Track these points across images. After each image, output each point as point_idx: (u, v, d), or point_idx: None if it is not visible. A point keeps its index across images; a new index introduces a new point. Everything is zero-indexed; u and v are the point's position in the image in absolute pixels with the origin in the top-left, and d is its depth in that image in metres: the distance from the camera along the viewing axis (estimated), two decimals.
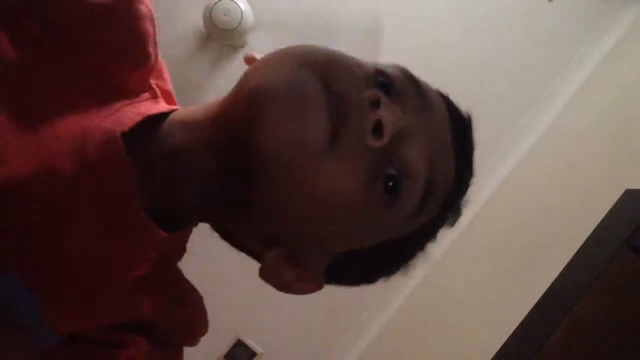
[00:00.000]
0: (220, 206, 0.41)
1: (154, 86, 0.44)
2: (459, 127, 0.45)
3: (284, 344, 1.63)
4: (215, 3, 1.48)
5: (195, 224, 0.44)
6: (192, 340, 0.45)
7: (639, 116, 1.30)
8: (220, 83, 1.63)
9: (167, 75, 0.47)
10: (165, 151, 0.40)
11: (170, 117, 0.42)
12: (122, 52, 0.42)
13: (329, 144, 0.37)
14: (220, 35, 1.53)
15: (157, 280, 0.41)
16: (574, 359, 0.91)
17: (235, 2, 1.48)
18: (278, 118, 0.36)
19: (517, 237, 1.32)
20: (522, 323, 1.06)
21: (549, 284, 1.04)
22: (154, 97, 0.44)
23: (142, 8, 0.42)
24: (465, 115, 0.47)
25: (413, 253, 0.47)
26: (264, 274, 0.42)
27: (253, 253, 0.45)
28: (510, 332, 1.07)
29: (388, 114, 0.39)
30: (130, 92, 0.42)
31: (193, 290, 0.45)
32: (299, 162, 0.37)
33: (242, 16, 1.50)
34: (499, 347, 1.08)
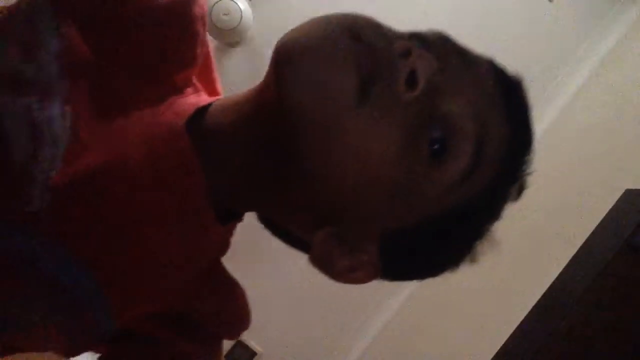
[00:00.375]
0: (264, 186, 0.40)
1: (195, 82, 0.45)
2: (508, 86, 0.41)
3: (284, 344, 1.63)
4: (215, 3, 1.48)
5: (242, 217, 0.44)
6: (234, 334, 0.45)
7: (639, 116, 1.30)
8: (221, 82, 1.63)
9: (214, 63, 0.48)
10: (212, 137, 0.40)
11: (214, 104, 0.42)
12: (175, 52, 0.42)
13: (359, 97, 0.35)
14: (220, 35, 1.53)
15: (207, 274, 0.42)
16: (574, 359, 0.91)
17: (235, 2, 1.48)
18: (301, 71, 0.35)
19: (518, 237, 1.32)
20: (522, 323, 1.06)
21: (549, 284, 1.04)
22: (197, 91, 0.45)
23: (197, 10, 0.43)
24: (515, 75, 0.43)
25: (475, 233, 0.41)
26: (314, 259, 0.39)
27: (300, 242, 0.43)
28: (510, 332, 1.07)
29: (420, 62, 0.36)
30: (177, 88, 0.43)
31: (237, 285, 0.44)
32: (327, 118, 0.35)
33: (242, 16, 1.50)
34: (499, 347, 1.08)
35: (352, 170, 0.36)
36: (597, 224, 1.07)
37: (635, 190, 0.98)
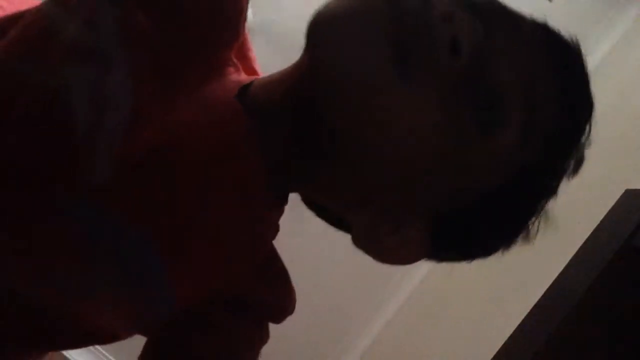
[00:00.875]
0: (306, 165, 0.40)
1: (235, 60, 0.45)
2: (564, 52, 0.39)
3: (284, 344, 1.63)
4: None
5: (286, 200, 0.43)
6: (280, 318, 0.44)
7: (639, 116, 1.30)
8: None
9: (250, 43, 0.48)
10: (257, 115, 0.39)
11: (255, 83, 0.42)
12: (220, 27, 0.42)
13: (396, 67, 0.33)
14: None
15: (266, 257, 0.42)
16: (574, 359, 0.91)
17: None
18: (331, 41, 0.34)
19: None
20: (522, 323, 1.06)
21: (549, 284, 1.04)
22: (237, 69, 0.45)
23: None
24: (572, 41, 0.40)
25: (529, 210, 0.39)
26: (359, 241, 0.38)
27: (344, 223, 0.42)
28: (510, 332, 1.07)
29: (463, 27, 0.34)
30: (221, 65, 0.43)
31: (284, 269, 0.44)
32: (361, 91, 0.34)
33: None
34: (499, 347, 1.08)
35: (392, 145, 0.35)
36: (597, 224, 1.07)
37: (635, 190, 0.98)
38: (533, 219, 0.40)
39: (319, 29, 0.35)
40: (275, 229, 0.42)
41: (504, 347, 1.08)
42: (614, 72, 1.58)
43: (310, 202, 0.44)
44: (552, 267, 1.08)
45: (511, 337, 1.08)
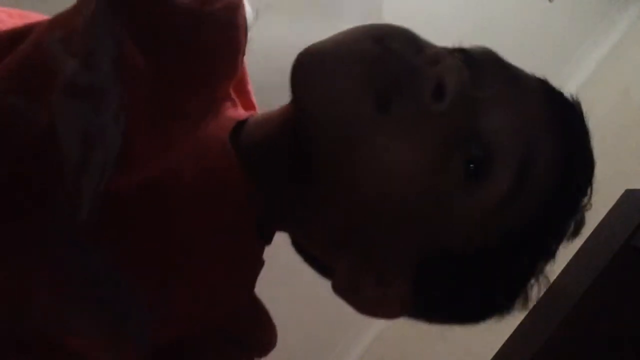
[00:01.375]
0: (290, 206, 0.39)
1: (233, 95, 0.45)
2: (562, 107, 0.37)
3: (284, 344, 1.63)
4: None
5: (271, 239, 0.42)
6: (267, 352, 0.44)
7: (639, 116, 1.30)
8: None
9: (248, 76, 0.48)
10: (248, 153, 0.39)
11: (250, 119, 0.42)
12: (220, 61, 0.42)
13: (378, 108, 0.33)
14: None
15: (249, 295, 0.41)
16: (574, 359, 0.91)
17: None
18: (313, 77, 0.33)
19: None
20: (522, 323, 1.06)
21: (549, 284, 1.04)
22: (234, 105, 0.44)
23: (241, 20, 0.43)
24: (570, 97, 0.39)
25: (523, 271, 0.36)
26: (338, 287, 0.37)
27: (326, 268, 0.41)
28: (510, 332, 1.07)
29: (448, 70, 0.33)
30: (218, 101, 0.43)
31: (263, 304, 0.43)
32: (341, 130, 0.33)
33: None
34: (499, 347, 1.08)
35: (372, 189, 0.34)
36: (597, 224, 1.07)
37: (635, 190, 0.98)
38: (528, 282, 0.38)
39: (303, 69, 0.34)
40: (260, 265, 0.41)
41: (503, 347, 1.07)
42: (614, 72, 1.58)
43: (299, 247, 0.44)
44: (553, 267, 1.08)
45: (511, 338, 1.07)
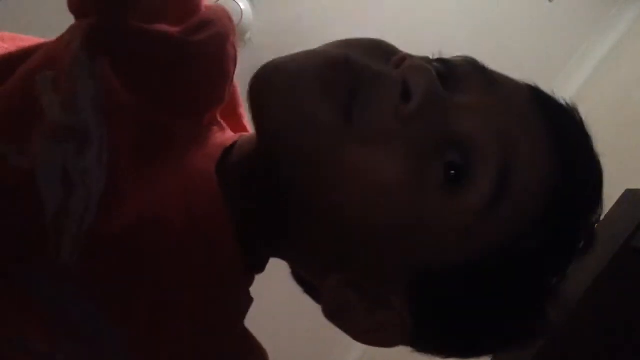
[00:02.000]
0: (273, 232, 0.38)
1: (219, 119, 0.44)
2: (552, 111, 0.34)
3: (284, 344, 1.63)
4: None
5: (263, 268, 0.41)
6: None
7: (639, 116, 1.30)
8: None
9: (240, 99, 0.47)
10: (231, 179, 0.38)
11: (238, 143, 0.41)
12: (206, 90, 0.41)
13: (342, 120, 0.31)
14: None
15: (237, 332, 0.40)
16: (574, 359, 0.91)
17: (235, 2, 1.48)
18: (269, 95, 0.32)
19: None
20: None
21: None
22: (222, 129, 0.44)
23: (231, 49, 0.42)
24: (564, 102, 0.36)
25: (524, 290, 0.33)
26: (327, 310, 0.35)
27: (316, 291, 0.40)
28: None
29: (412, 70, 0.31)
30: (205, 129, 0.42)
31: (251, 337, 0.41)
32: (304, 148, 0.32)
33: (242, 16, 1.50)
34: None
35: (345, 208, 0.32)
36: (597, 224, 1.06)
37: (635, 190, 0.98)
38: (537, 303, 0.34)
39: (257, 78, 0.33)
40: (249, 302, 0.39)
41: None
42: (614, 72, 1.58)
43: (297, 277, 0.43)
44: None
45: None
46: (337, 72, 0.32)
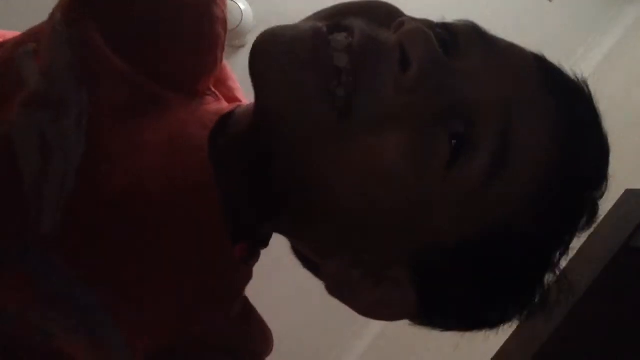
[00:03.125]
0: (268, 209, 0.37)
1: (213, 89, 0.43)
2: (557, 80, 0.34)
3: (284, 344, 1.63)
4: None
5: (267, 242, 0.40)
6: None
7: (639, 116, 1.30)
8: None
9: (232, 74, 0.46)
10: (227, 150, 0.37)
11: (238, 110, 0.40)
12: (197, 55, 0.40)
13: (340, 114, 0.30)
14: None
15: (234, 305, 0.38)
16: (574, 359, 0.91)
17: (235, 2, 1.48)
18: (268, 69, 0.31)
19: None
20: (522, 323, 1.06)
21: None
22: (217, 99, 0.43)
23: (218, 11, 0.41)
24: (572, 74, 0.35)
25: (532, 264, 0.33)
26: (330, 287, 0.35)
27: (316, 267, 0.39)
28: (511, 333, 1.07)
29: (409, 35, 0.30)
30: (199, 96, 0.41)
31: (256, 314, 0.41)
32: (300, 128, 0.31)
33: (242, 16, 1.50)
34: (499, 347, 1.08)
35: (345, 194, 0.31)
36: (597, 224, 1.07)
37: (635, 190, 0.98)
38: (543, 276, 0.34)
39: (257, 57, 0.32)
40: (248, 276, 0.38)
41: (503, 347, 1.07)
42: (614, 72, 1.58)
43: (297, 252, 0.42)
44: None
45: (511, 337, 1.07)
46: (329, 47, 0.31)
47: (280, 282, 1.35)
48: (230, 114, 0.39)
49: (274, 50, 0.31)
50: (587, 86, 0.35)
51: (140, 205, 0.33)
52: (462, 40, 0.33)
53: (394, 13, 0.34)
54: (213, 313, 0.37)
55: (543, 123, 0.32)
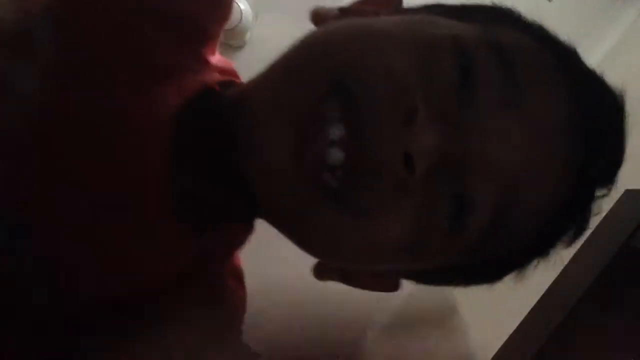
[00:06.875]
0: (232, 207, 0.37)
1: (209, 60, 0.41)
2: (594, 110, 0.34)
3: (279, 347, 1.63)
4: None
5: (245, 220, 0.40)
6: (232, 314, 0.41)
7: (639, 116, 1.30)
8: None
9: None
10: (200, 124, 0.36)
11: (227, 92, 0.39)
12: (202, 19, 0.40)
13: (336, 202, 0.29)
14: None
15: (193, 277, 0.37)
16: (574, 359, 0.91)
17: (235, 2, 1.48)
18: (249, 118, 0.31)
19: None
20: (522, 323, 1.06)
21: (549, 284, 1.04)
22: (211, 70, 0.42)
23: None
24: (617, 92, 0.35)
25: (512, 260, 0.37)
26: (317, 273, 0.37)
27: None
28: (510, 332, 1.07)
29: (420, 142, 0.27)
30: (191, 62, 0.40)
31: (234, 291, 0.40)
32: (290, 211, 0.31)
33: (242, 16, 1.50)
34: (499, 347, 1.07)
35: (344, 260, 0.33)
36: (597, 224, 1.07)
37: (635, 190, 0.98)
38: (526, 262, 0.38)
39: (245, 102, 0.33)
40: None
41: (503, 347, 1.07)
42: (614, 73, 1.58)
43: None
44: (553, 267, 1.08)
45: (511, 338, 1.07)
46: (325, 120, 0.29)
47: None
48: (213, 89, 0.38)
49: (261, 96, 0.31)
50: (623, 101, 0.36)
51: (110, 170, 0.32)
52: (479, 75, 0.30)
53: (404, 87, 0.30)
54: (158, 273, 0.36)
55: (553, 184, 0.34)
